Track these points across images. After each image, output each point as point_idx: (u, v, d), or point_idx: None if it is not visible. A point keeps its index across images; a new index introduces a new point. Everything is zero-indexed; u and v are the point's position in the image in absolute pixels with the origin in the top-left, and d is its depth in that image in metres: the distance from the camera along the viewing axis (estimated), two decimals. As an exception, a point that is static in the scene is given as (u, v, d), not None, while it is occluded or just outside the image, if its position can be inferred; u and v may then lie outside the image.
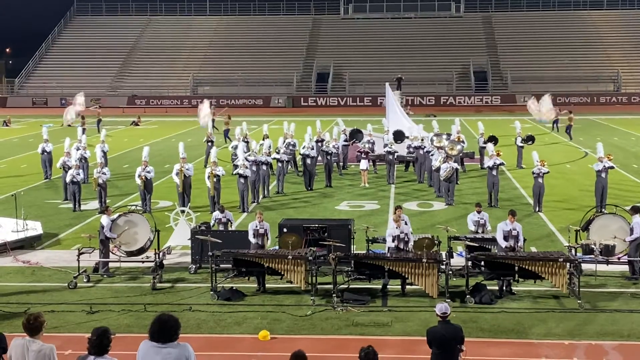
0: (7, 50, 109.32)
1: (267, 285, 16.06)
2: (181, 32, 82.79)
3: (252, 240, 16.77)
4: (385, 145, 29.79)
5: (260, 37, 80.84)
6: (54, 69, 78.88)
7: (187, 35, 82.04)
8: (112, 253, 17.29)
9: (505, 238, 16.17)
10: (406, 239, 16.23)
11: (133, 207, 19.06)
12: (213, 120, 42.77)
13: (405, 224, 16.75)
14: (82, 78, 75.42)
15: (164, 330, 7.80)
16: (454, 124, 33.97)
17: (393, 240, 16.22)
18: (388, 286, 15.86)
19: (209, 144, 32.57)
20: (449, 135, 31.09)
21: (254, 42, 79.84)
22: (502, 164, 25.12)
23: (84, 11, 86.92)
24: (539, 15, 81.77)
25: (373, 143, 32.14)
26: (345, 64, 76.29)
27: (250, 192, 24.80)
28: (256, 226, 16.85)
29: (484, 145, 31.00)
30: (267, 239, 17.01)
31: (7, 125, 54.29)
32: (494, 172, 24.47)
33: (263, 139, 30.05)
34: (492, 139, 31.19)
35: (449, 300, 14.64)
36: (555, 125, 45.98)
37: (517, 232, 16.25)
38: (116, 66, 78.29)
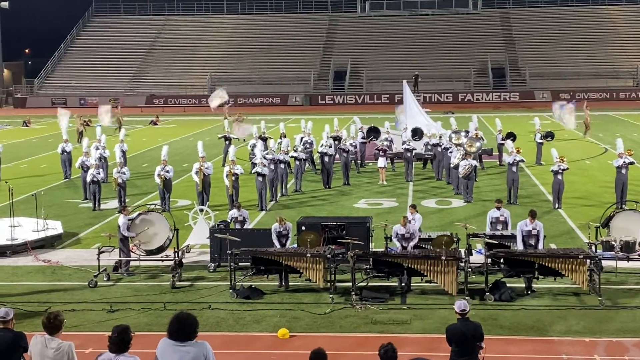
0: (26, 50, 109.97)
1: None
2: (199, 31, 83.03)
3: (277, 243, 16.80)
4: (404, 143, 29.73)
5: (277, 35, 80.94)
6: (72, 69, 79.37)
7: (205, 35, 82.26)
8: (132, 252, 17.38)
9: (526, 237, 16.09)
10: (412, 237, 16.35)
11: (152, 206, 19.14)
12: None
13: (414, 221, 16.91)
14: (101, 78, 75.87)
15: (183, 328, 7.83)
16: (471, 120, 33.86)
17: (399, 239, 16.39)
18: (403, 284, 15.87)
19: (227, 142, 32.64)
20: (467, 132, 30.99)
21: (271, 40, 79.93)
22: (521, 160, 25.01)
23: (102, 11, 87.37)
24: (557, 11, 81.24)
25: (391, 141, 32.07)
26: (363, 62, 76.18)
27: (268, 191, 24.84)
28: (279, 228, 16.90)
29: (503, 142, 30.89)
30: (288, 239, 17.03)
31: (26, 126, 54.68)
32: (514, 169, 24.36)
33: (280, 138, 30.10)
34: (511, 136, 31.06)
35: (468, 297, 14.59)
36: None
37: (538, 231, 16.17)
38: (134, 66, 78.65)
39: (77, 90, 74.49)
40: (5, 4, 79.28)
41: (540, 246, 16.14)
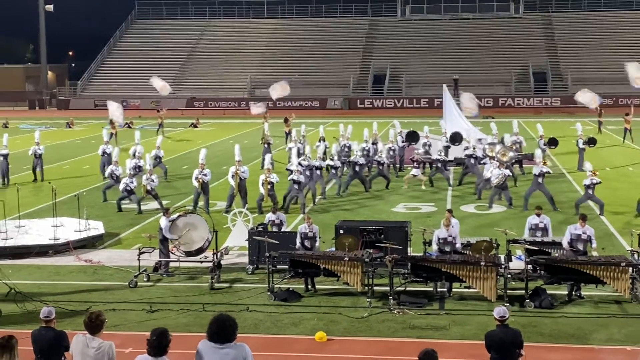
0: (70, 53, 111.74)
1: (320, 287, 16.05)
2: (239, 34, 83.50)
3: (298, 243, 16.74)
4: (439, 152, 29.36)
5: (317, 39, 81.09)
6: (115, 72, 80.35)
7: (245, 38, 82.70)
8: (172, 253, 17.53)
9: (574, 242, 15.91)
10: (454, 242, 16.15)
11: (191, 208, 19.30)
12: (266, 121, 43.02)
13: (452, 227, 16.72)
14: (143, 81, 76.54)
15: (223, 330, 7.87)
16: (512, 125, 33.64)
17: (439, 243, 16.16)
18: (441, 289, 15.75)
19: (266, 145, 32.72)
20: (502, 141, 30.72)
21: (310, 44, 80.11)
22: (548, 172, 24.81)
23: (145, 15, 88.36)
24: (599, 16, 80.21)
25: (430, 145, 31.82)
26: (402, 66, 75.98)
27: (309, 194, 24.78)
28: (305, 229, 16.89)
29: (544, 147, 30.60)
30: (316, 241, 16.91)
31: (70, 127, 55.54)
32: (540, 180, 24.12)
33: (319, 141, 30.09)
34: (553, 142, 30.75)
35: (508, 304, 14.45)
36: (600, 126, 45.43)
37: (588, 235, 15.97)
38: (175, 69, 79.33)
39: (119, 92, 75.30)
40: (50, 7, 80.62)
41: (594, 245, 16.09)
